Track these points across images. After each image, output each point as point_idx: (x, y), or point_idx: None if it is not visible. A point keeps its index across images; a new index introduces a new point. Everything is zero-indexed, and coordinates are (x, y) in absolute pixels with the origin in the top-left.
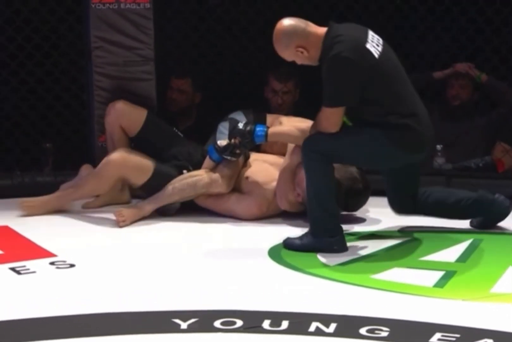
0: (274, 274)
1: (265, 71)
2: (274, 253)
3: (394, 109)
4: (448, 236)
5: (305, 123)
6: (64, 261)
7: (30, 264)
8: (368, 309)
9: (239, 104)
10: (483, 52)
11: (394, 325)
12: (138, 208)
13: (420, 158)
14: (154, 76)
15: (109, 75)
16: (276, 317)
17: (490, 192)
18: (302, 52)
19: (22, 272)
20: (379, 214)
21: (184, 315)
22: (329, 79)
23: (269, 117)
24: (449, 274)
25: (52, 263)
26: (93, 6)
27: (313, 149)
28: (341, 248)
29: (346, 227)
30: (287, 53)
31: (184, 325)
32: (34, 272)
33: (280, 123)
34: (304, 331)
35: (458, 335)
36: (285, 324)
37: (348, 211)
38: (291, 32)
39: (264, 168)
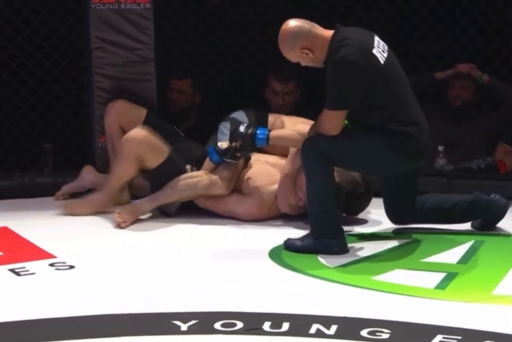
0: (274, 275)
1: (265, 71)
2: (275, 254)
3: (396, 115)
4: (449, 237)
5: (307, 126)
6: (64, 263)
7: (29, 266)
8: (369, 311)
9: (239, 105)
10: (485, 53)
11: (395, 327)
12: (136, 207)
13: (418, 166)
14: (154, 77)
15: (109, 76)
16: (276, 319)
17: (487, 192)
18: (307, 54)
19: (21, 273)
20: (380, 215)
21: (184, 316)
22: (334, 82)
23: (271, 117)
24: (450, 275)
25: (51, 265)
26: (93, 6)
27: (313, 150)
28: (342, 249)
29: (347, 228)
30: (292, 55)
31: (184, 327)
32: (33, 273)
33: (282, 123)
34: (305, 333)
35: (459, 337)
36: (285, 326)
37: (350, 214)
38: (297, 33)
39: (265, 169)
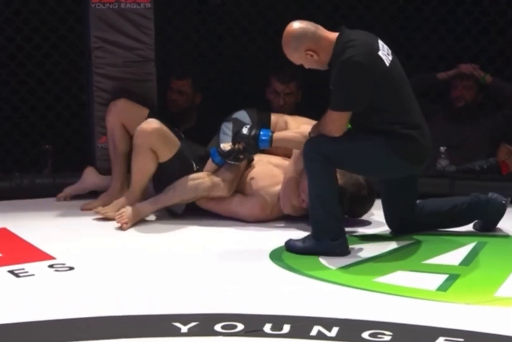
0: (275, 277)
1: (266, 71)
2: (276, 256)
3: (399, 118)
4: (451, 239)
5: (310, 126)
6: (63, 264)
7: (28, 267)
8: (371, 313)
9: (239, 105)
10: (488, 53)
11: (397, 329)
12: (138, 209)
13: (418, 170)
14: (154, 77)
15: (109, 76)
16: (277, 321)
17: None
18: (311, 56)
19: (20, 274)
20: (382, 217)
21: (185, 318)
22: (340, 83)
23: (274, 117)
24: (452, 277)
25: (51, 266)
26: (93, 6)
27: (315, 150)
28: (343, 251)
29: (349, 230)
30: (296, 56)
31: (184, 329)
32: (32, 275)
33: (286, 123)
34: (306, 335)
35: (461, 339)
36: (286, 328)
37: (353, 216)
38: (301, 35)
39: (268, 170)
